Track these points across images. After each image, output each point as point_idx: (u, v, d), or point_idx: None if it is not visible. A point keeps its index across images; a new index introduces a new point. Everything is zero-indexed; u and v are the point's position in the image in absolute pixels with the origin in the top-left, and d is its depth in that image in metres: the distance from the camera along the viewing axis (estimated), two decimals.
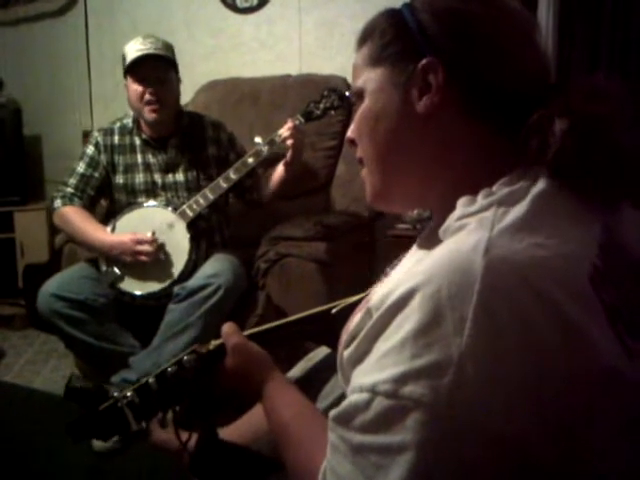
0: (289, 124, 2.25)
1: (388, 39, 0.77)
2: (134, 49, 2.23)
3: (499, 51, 0.72)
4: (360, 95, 0.80)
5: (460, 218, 0.67)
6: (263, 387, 0.92)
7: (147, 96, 2.24)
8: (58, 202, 2.33)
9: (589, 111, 0.67)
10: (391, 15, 0.78)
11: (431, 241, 0.76)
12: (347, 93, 2.33)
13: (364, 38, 0.80)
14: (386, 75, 0.77)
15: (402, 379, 0.59)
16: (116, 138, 2.36)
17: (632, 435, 0.62)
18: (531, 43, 0.75)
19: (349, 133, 0.85)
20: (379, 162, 0.79)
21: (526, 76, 0.73)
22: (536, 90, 0.72)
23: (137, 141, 2.35)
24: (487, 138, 0.73)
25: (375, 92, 0.78)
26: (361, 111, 0.80)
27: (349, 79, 2.51)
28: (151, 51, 2.22)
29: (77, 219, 2.29)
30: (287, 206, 2.57)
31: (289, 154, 2.27)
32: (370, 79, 0.78)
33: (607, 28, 2.38)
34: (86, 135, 3.37)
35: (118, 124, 2.38)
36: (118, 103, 2.37)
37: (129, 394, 0.92)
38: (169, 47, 2.30)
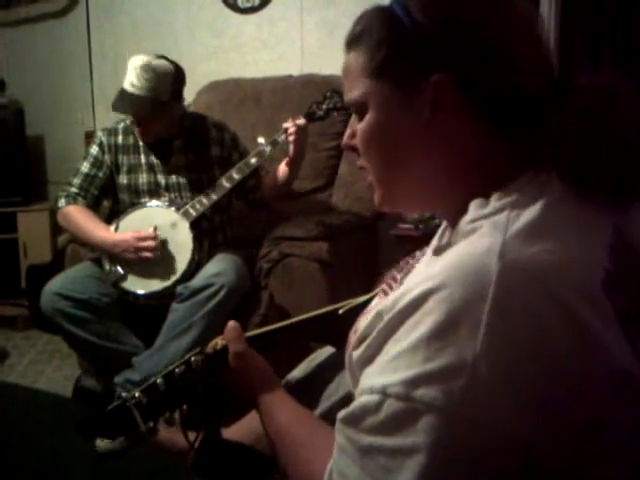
0: (291, 123, 2.25)
1: (389, 50, 0.72)
2: (127, 79, 2.19)
3: (506, 55, 0.70)
4: (361, 108, 0.76)
5: (472, 221, 0.67)
6: (259, 396, 0.93)
7: (135, 125, 2.28)
8: (62, 202, 2.33)
9: (606, 114, 0.67)
10: (386, 17, 0.73)
11: (443, 244, 0.77)
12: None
13: (356, 41, 0.76)
14: (392, 90, 0.73)
15: (414, 382, 0.59)
16: (120, 138, 2.36)
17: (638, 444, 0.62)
18: (536, 41, 0.73)
19: (346, 140, 0.82)
20: (387, 174, 0.77)
21: (533, 77, 0.71)
22: (543, 89, 0.71)
23: (140, 142, 2.35)
24: (495, 142, 0.71)
25: (381, 108, 0.74)
26: (366, 126, 0.76)
27: None
28: (141, 92, 2.17)
29: (80, 218, 2.29)
30: (289, 206, 2.57)
31: (292, 153, 2.27)
32: (373, 93, 0.74)
33: (609, 23, 2.38)
34: (88, 136, 3.37)
35: (122, 124, 2.39)
36: None
37: (137, 394, 0.93)
38: (167, 83, 2.21)
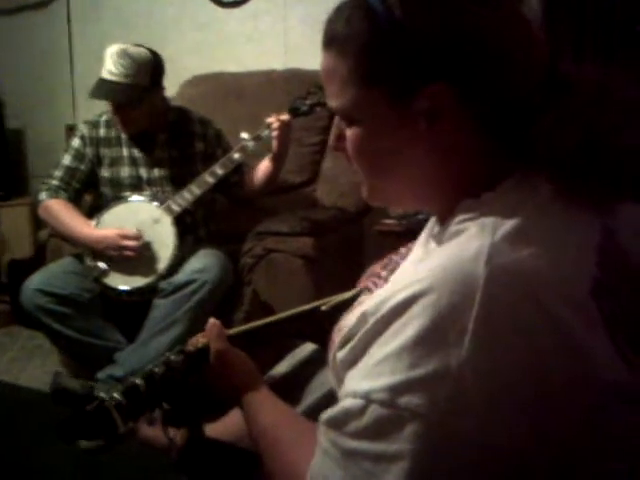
0: (275, 118, 2.24)
1: (378, 58, 0.68)
2: (105, 68, 2.18)
3: (501, 57, 0.67)
4: (349, 116, 0.72)
5: (460, 222, 0.66)
6: (242, 395, 0.92)
7: (114, 115, 2.26)
8: (43, 195, 2.31)
9: (600, 113, 0.66)
10: (369, 17, 0.68)
11: (431, 243, 0.76)
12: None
13: (338, 42, 0.71)
14: (384, 100, 0.69)
15: (398, 389, 0.59)
16: (102, 131, 2.35)
17: (627, 447, 0.62)
18: (530, 38, 0.70)
19: (335, 142, 0.78)
20: (380, 180, 0.75)
21: (528, 76, 0.68)
22: (536, 87, 0.68)
23: (123, 135, 2.33)
24: (486, 143, 0.69)
25: (373, 119, 0.71)
26: (357, 136, 0.72)
27: None
28: (118, 79, 2.16)
29: (62, 212, 2.27)
30: (273, 201, 2.56)
31: (275, 149, 2.27)
32: (363, 103, 0.70)
33: (592, 16, 2.39)
34: (70, 129, 3.34)
35: (104, 117, 2.36)
36: None
37: (116, 395, 0.92)
38: (144, 68, 2.19)
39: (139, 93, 2.19)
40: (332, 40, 0.72)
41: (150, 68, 2.22)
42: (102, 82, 2.19)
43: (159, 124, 2.33)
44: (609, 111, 0.67)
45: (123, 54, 2.17)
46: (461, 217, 0.67)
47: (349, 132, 0.73)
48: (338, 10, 0.72)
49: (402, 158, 0.71)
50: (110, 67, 2.17)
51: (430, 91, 0.66)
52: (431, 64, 0.66)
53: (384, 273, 0.91)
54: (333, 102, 0.74)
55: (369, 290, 0.91)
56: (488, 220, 0.64)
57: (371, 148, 0.73)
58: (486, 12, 0.67)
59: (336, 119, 0.78)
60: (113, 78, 2.17)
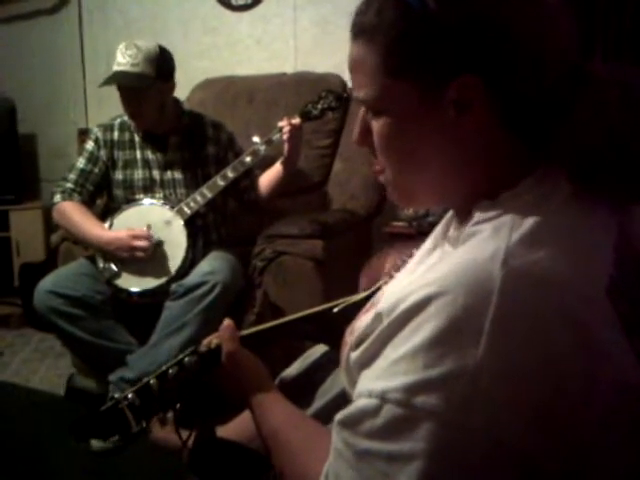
0: (286, 122, 2.25)
1: (411, 49, 0.67)
2: (115, 61, 2.23)
3: (533, 53, 0.66)
4: (377, 107, 0.71)
5: (476, 224, 0.66)
6: (252, 397, 0.92)
7: (126, 108, 2.28)
8: (57, 197, 2.33)
9: (626, 113, 0.65)
10: (402, 8, 0.67)
11: (446, 242, 0.76)
12: (349, 94, 2.32)
13: (368, 32, 0.69)
14: (414, 91, 0.68)
15: (414, 389, 0.59)
16: (116, 134, 2.36)
17: (638, 446, 0.62)
18: (561, 33, 0.68)
19: (360, 137, 0.76)
20: (407, 174, 0.74)
21: (557, 73, 0.67)
22: (563, 83, 0.67)
23: (136, 137, 2.35)
24: (510, 140, 0.69)
25: (402, 110, 0.69)
26: (386, 128, 0.71)
27: (345, 77, 2.51)
28: (126, 68, 2.20)
29: (75, 214, 2.29)
30: (283, 204, 2.57)
31: (287, 152, 2.28)
32: (393, 94, 0.69)
33: (601, 18, 2.39)
34: (81, 133, 3.36)
35: (118, 120, 2.39)
36: (113, 101, 2.36)
37: (130, 395, 0.93)
38: (150, 59, 2.22)
39: (145, 81, 2.22)
40: (362, 30, 0.71)
41: (156, 59, 2.24)
42: (112, 74, 2.23)
43: (172, 126, 2.34)
44: (632, 111, 0.66)
45: (130, 46, 2.23)
46: (477, 218, 0.67)
47: (376, 124, 0.72)
48: (368, 0, 0.71)
49: (428, 149, 0.70)
50: (119, 59, 2.22)
51: (462, 82, 0.65)
52: (463, 56, 0.65)
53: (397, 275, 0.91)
54: (360, 92, 0.72)
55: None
56: (504, 221, 0.63)
57: (398, 138, 0.71)
58: (517, 4, 0.66)
59: (360, 113, 0.76)
60: (121, 68, 2.21)
